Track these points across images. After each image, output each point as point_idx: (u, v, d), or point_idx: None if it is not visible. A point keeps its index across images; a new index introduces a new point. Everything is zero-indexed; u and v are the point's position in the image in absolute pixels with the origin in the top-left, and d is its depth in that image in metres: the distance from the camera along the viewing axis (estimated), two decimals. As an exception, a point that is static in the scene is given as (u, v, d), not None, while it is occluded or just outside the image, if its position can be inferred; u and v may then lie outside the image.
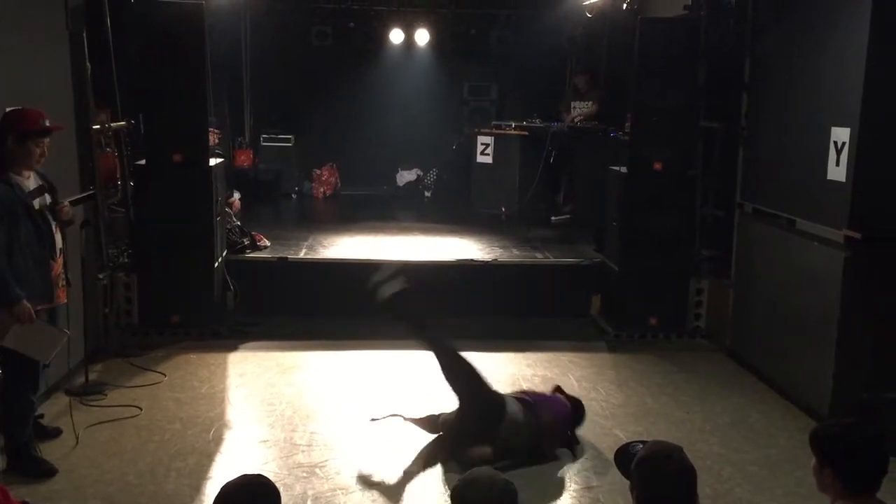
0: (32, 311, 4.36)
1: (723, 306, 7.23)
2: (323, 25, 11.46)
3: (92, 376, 6.02)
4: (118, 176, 7.16)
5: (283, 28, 11.41)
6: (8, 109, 4.55)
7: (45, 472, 4.61)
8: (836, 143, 5.48)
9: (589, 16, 10.33)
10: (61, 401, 5.57)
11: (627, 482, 2.71)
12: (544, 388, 5.62)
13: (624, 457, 2.80)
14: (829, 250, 5.57)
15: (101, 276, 6.61)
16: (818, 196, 5.72)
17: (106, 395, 5.81)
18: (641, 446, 2.74)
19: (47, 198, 4.58)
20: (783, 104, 6.35)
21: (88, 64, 6.34)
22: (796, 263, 6.05)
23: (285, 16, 11.21)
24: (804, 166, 5.91)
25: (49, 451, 4.87)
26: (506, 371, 6.50)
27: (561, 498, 4.63)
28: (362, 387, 6.09)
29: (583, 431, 5.42)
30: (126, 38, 6.89)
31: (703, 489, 2.63)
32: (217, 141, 8.96)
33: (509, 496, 2.49)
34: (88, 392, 5.78)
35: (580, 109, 10.30)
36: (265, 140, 11.78)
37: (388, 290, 5.13)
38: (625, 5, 9.40)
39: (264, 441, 5.20)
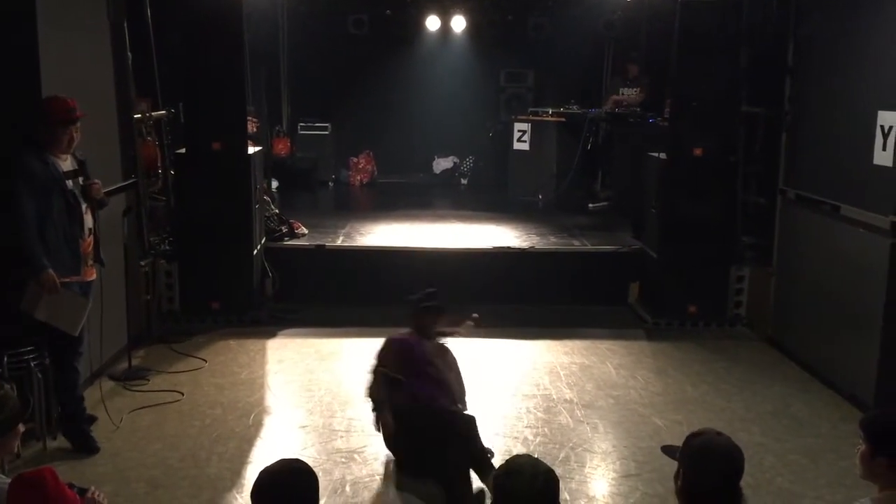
0: (57, 281, 4.52)
1: (764, 294, 7.12)
2: (359, 13, 11.45)
3: (135, 362, 6.12)
4: (159, 164, 7.24)
5: (320, 16, 11.42)
6: (44, 97, 4.72)
7: (90, 448, 4.81)
8: (882, 127, 5.35)
9: (627, 0, 10.20)
10: (104, 385, 5.67)
11: (667, 471, 2.69)
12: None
13: (670, 448, 2.78)
14: (874, 237, 5.45)
15: (142, 263, 6.71)
16: (864, 182, 5.60)
17: (148, 380, 5.91)
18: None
19: (80, 181, 4.75)
20: (828, 88, 6.22)
21: (130, 53, 6.41)
22: (841, 250, 5.93)
23: (322, 4, 11.22)
24: (850, 151, 5.79)
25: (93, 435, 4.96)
26: (543, 359, 6.48)
27: (601, 485, 4.61)
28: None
29: (622, 420, 5.39)
30: (166, 27, 6.95)
31: (744, 478, 2.58)
32: (255, 129, 9.03)
33: (552, 485, 2.46)
34: (131, 377, 5.89)
35: (628, 97, 10.19)
36: (302, 128, 11.84)
37: None
38: (664, -12, 9.26)
39: (303, 426, 5.25)
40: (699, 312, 7.26)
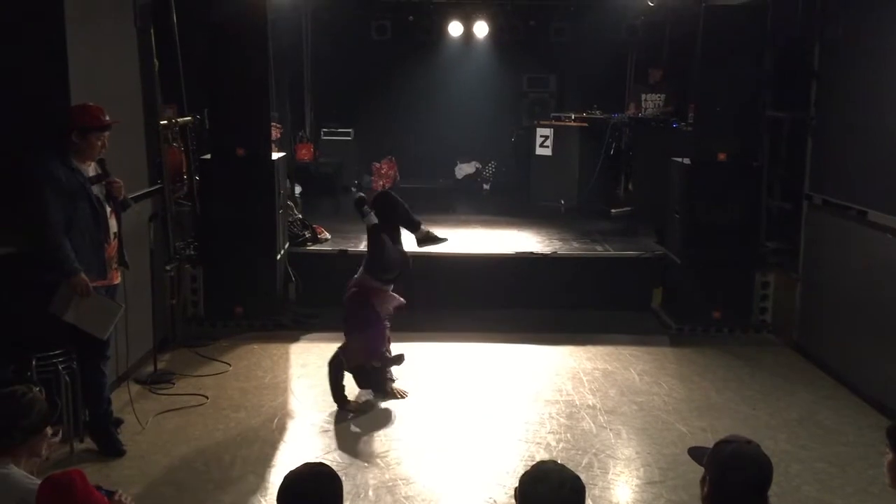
0: (90, 284, 4.57)
1: (790, 300, 7.05)
2: (382, 20, 11.50)
3: (160, 365, 6.17)
4: (184, 170, 7.32)
5: (343, 22, 11.49)
6: (73, 105, 4.76)
7: (116, 451, 4.88)
8: (910, 131, 5.30)
9: (651, 4, 10.16)
10: (131, 388, 5.72)
11: (691, 478, 2.67)
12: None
13: (697, 450, 2.76)
14: (902, 242, 5.40)
15: (168, 268, 6.77)
16: (891, 186, 5.54)
17: (174, 383, 5.96)
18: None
19: (103, 187, 4.79)
20: (854, 92, 6.16)
21: (156, 60, 6.48)
22: (868, 256, 5.87)
23: (345, 10, 11.28)
24: (876, 156, 5.73)
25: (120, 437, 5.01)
26: (566, 364, 6.45)
27: (624, 492, 4.58)
28: (421, 377, 6.12)
29: (645, 426, 5.36)
30: (192, 34, 7.02)
31: (771, 487, 2.57)
32: (279, 135, 9.09)
33: (579, 493, 2.44)
34: (157, 381, 5.95)
35: (652, 102, 10.14)
36: (325, 134, 11.91)
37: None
38: (688, -8, 9.21)
39: (326, 430, 5.27)
40: (723, 318, 7.20)
